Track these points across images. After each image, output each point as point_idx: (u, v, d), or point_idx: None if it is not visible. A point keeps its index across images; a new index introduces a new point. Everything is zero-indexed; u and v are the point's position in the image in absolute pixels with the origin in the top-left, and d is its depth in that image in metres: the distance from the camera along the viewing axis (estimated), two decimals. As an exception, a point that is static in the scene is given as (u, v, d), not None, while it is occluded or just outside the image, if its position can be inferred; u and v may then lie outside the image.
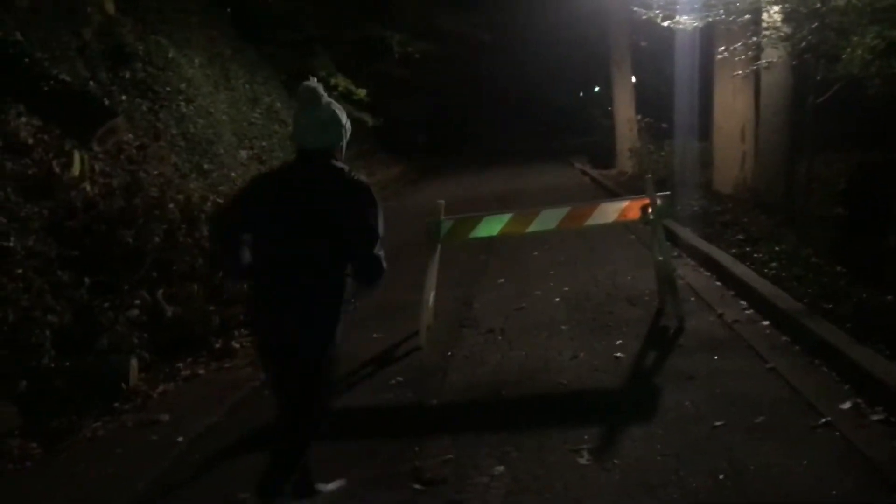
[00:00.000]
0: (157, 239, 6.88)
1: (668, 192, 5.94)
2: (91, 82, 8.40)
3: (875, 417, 3.68)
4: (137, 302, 6.09)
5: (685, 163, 13.54)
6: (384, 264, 2.98)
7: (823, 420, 3.73)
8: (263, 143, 12.90)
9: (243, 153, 11.87)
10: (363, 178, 3.03)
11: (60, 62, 8.18)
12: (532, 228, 5.79)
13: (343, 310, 3.01)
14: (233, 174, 10.59)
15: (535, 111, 41.11)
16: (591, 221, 5.77)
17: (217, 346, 5.94)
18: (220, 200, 8.65)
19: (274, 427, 3.25)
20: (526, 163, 23.57)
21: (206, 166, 10.13)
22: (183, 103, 10.47)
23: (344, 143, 3.07)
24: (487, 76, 35.05)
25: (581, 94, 39.52)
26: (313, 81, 3.09)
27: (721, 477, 3.28)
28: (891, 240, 10.15)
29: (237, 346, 5.98)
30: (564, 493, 3.29)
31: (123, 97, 9.18)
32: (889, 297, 5.45)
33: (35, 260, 5.98)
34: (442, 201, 6.03)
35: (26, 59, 7.11)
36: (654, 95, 21.10)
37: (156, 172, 8.34)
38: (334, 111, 3.03)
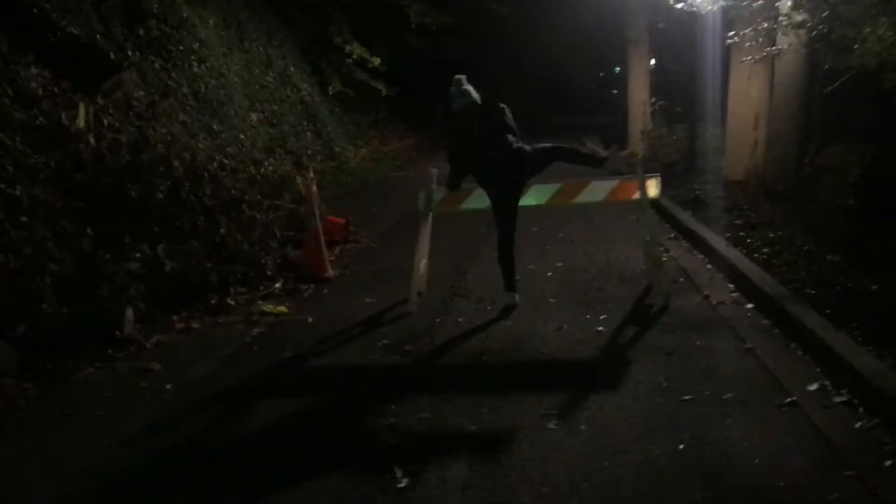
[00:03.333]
0: (160, 195, 7.01)
1: (657, 175, 6.01)
2: (99, 37, 8.48)
3: (839, 399, 3.77)
4: (138, 255, 6.22)
5: (697, 148, 13.53)
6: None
7: (789, 399, 3.83)
8: (275, 107, 12.97)
9: (254, 115, 11.95)
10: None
11: (75, 16, 8.28)
12: (522, 203, 5.87)
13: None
14: (242, 136, 10.69)
15: (554, 89, 40.88)
16: (581, 199, 5.85)
17: (213, 301, 6.07)
18: (225, 161, 8.76)
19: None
20: (541, 141, 23.46)
21: (215, 126, 10.23)
22: (196, 63, 10.54)
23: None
24: (508, 52, 34.74)
25: (601, 73, 39.23)
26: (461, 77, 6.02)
27: (681, 447, 3.39)
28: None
29: (232, 302, 6.11)
30: (529, 453, 3.40)
31: (137, 54, 9.26)
32: (875, 287, 5.51)
33: (41, 209, 6.12)
34: (435, 170, 6.10)
35: (34, 10, 7.19)
36: (674, 79, 20.98)
37: (164, 130, 8.44)
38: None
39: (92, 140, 6.84)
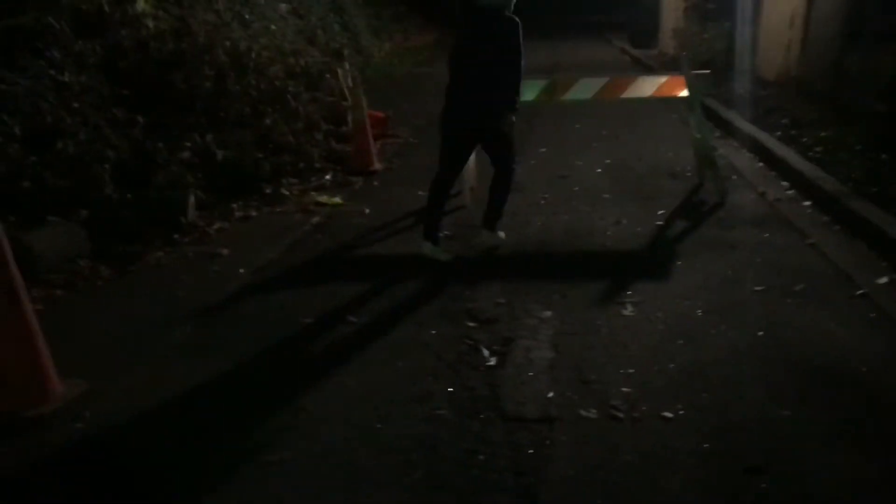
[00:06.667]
0: (207, 84, 6.95)
1: (707, 71, 5.90)
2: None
3: (909, 292, 3.85)
4: (189, 144, 6.22)
5: (731, 47, 13.20)
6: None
7: (860, 291, 3.90)
8: (303, -1, 12.65)
9: (283, 6, 11.67)
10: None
11: None
12: (569, 96, 5.75)
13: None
14: (273, 27, 10.45)
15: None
16: (628, 94, 5.74)
17: (268, 191, 6.11)
18: (263, 52, 8.61)
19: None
20: (567, 38, 22.93)
21: (246, 16, 10.01)
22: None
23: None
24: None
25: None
26: None
27: (760, 333, 3.48)
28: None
29: (286, 192, 6.15)
30: (610, 338, 3.51)
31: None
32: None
33: (90, 96, 6.09)
34: None
35: None
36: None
37: (202, 19, 8.29)
38: None
39: (150, 24, 6.73)
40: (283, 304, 4.04)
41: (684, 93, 5.74)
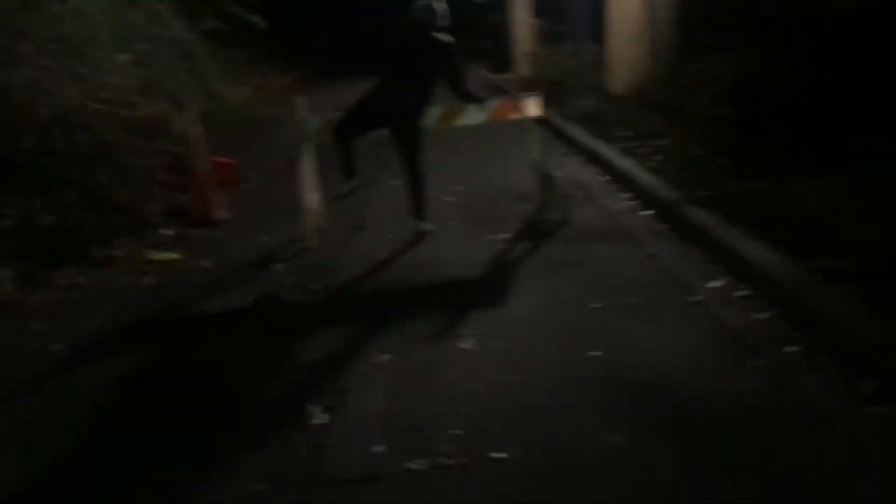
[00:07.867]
0: (26, 144, 6.47)
1: (537, 92, 5.95)
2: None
3: (740, 293, 3.91)
4: (10, 211, 5.75)
5: (581, 66, 13.61)
6: None
7: (695, 298, 3.93)
8: (145, 47, 12.13)
9: (122, 57, 11.15)
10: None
11: None
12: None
13: None
14: (110, 79, 9.94)
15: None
16: (461, 122, 5.73)
17: (97, 255, 5.69)
18: (98, 107, 8.15)
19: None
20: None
21: (83, 70, 9.48)
22: (55, 3, 9.67)
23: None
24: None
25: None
26: None
27: (597, 355, 3.42)
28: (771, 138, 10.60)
29: (119, 254, 5.75)
30: (447, 376, 3.36)
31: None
32: (762, 186, 5.71)
33: None
34: (302, 97, 5.78)
35: None
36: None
37: (27, 77, 7.76)
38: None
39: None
40: (96, 378, 3.69)
41: (520, 116, 5.77)
